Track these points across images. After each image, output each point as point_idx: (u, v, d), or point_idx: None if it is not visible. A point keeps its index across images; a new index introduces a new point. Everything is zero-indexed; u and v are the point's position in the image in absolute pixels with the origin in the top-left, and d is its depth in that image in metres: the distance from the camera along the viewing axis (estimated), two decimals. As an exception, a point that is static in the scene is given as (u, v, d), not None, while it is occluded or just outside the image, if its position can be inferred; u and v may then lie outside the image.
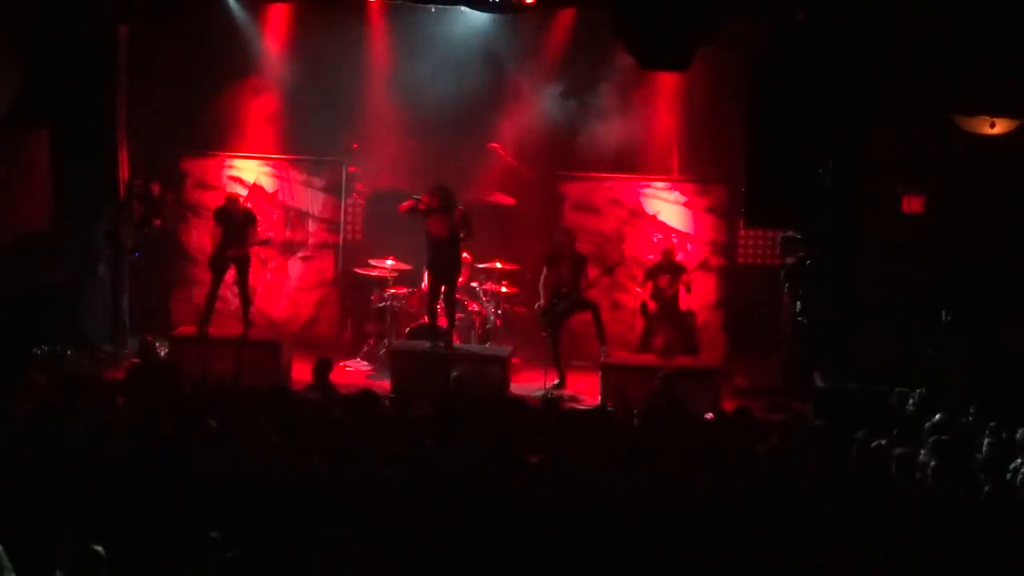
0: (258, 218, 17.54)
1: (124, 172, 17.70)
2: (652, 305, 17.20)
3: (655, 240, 18.34)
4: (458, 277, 17.20)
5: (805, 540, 9.13)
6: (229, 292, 17.91)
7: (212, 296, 17.27)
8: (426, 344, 17.03)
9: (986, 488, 10.53)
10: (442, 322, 17.20)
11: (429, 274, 17.24)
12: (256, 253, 17.80)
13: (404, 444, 11.04)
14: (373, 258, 18.40)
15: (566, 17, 18.86)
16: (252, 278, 17.66)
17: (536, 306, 17.25)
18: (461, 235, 16.78)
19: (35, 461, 10.09)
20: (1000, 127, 15.93)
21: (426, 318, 17.30)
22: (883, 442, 11.79)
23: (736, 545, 8.87)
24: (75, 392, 12.97)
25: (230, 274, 17.34)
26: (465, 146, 19.11)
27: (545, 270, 17.14)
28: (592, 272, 17.40)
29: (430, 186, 16.91)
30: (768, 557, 8.77)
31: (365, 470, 10.19)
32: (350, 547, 8.46)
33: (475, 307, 18.06)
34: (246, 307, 17.34)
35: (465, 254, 17.43)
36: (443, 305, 17.17)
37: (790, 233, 17.06)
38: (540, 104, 19.13)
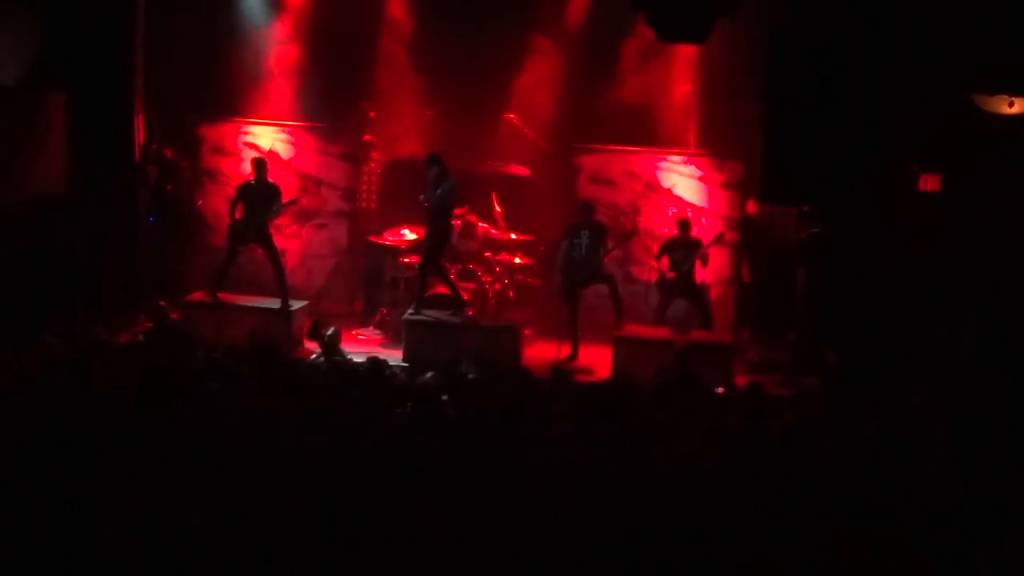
0: (281, 189, 17.51)
1: (140, 137, 17.68)
2: (671, 275, 17.18)
3: (670, 214, 18.33)
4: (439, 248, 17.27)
5: (816, 517, 9.12)
6: (252, 264, 18.03)
7: (228, 264, 17.29)
8: (440, 314, 17.06)
9: (998, 466, 10.53)
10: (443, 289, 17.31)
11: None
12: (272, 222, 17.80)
13: (413, 414, 11.04)
14: (388, 227, 18.44)
15: (586, -11, 18.93)
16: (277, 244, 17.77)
17: (556, 277, 17.23)
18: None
19: (48, 424, 10.09)
20: (1019, 107, 15.89)
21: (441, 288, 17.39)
22: (895, 420, 11.78)
23: (746, 521, 8.86)
24: (88, 356, 12.98)
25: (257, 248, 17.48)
26: (482, 116, 19.11)
27: (564, 242, 17.12)
28: (608, 243, 17.40)
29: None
30: (778, 533, 8.76)
31: (370, 440, 10.19)
32: (354, 518, 8.47)
33: (489, 278, 18.06)
34: (282, 280, 17.31)
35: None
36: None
37: (806, 209, 17.06)
38: (558, 75, 19.11)
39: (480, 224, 18.24)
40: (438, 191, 16.82)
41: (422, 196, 17.01)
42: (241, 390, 11.53)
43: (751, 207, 18.12)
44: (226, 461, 9.42)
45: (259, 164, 17.37)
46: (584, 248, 16.99)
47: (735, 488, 9.50)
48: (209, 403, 10.80)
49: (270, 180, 17.35)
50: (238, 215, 17.09)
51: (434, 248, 17.08)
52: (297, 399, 11.28)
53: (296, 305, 17.32)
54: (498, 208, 18.25)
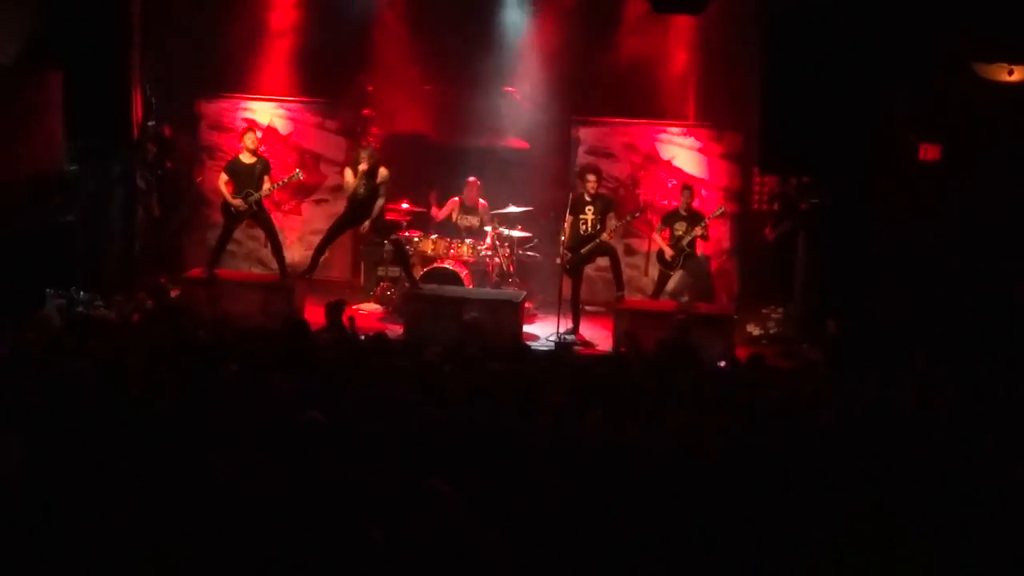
0: (271, 163, 17.42)
1: (138, 114, 17.63)
2: (669, 252, 17.16)
3: (670, 186, 18.31)
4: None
5: (815, 489, 9.11)
6: (251, 240, 18.04)
7: (224, 241, 17.26)
8: (440, 288, 17.07)
9: (998, 439, 10.53)
10: None
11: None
12: (270, 197, 17.73)
13: (416, 388, 11.04)
14: (387, 201, 18.38)
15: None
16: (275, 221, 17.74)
17: (560, 251, 17.16)
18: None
19: (46, 401, 10.08)
20: (1018, 74, 15.83)
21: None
22: (895, 391, 11.78)
23: (745, 494, 8.85)
24: (86, 333, 12.97)
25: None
26: (480, 89, 19.07)
27: (569, 217, 17.01)
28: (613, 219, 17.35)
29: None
30: (778, 506, 8.76)
31: (377, 414, 10.19)
32: (363, 495, 8.47)
33: (489, 252, 18.04)
34: (280, 257, 17.29)
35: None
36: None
37: (805, 180, 17.04)
38: (557, 48, 19.06)
39: (481, 201, 18.20)
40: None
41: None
42: (256, 369, 11.52)
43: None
44: (232, 437, 9.43)
45: (251, 139, 17.31)
46: (590, 224, 16.92)
47: (736, 461, 9.50)
48: (219, 381, 10.81)
49: (261, 154, 17.26)
50: (229, 190, 17.01)
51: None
52: (312, 376, 11.31)
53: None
54: (482, 201, 18.25)
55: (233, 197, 16.89)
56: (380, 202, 16.73)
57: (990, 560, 8.17)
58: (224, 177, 17.09)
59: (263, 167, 17.03)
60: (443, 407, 10.31)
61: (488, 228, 18.07)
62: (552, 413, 10.45)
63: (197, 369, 11.21)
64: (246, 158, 17.04)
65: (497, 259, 18.07)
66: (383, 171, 16.70)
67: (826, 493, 8.94)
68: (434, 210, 18.34)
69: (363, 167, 16.62)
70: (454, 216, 18.23)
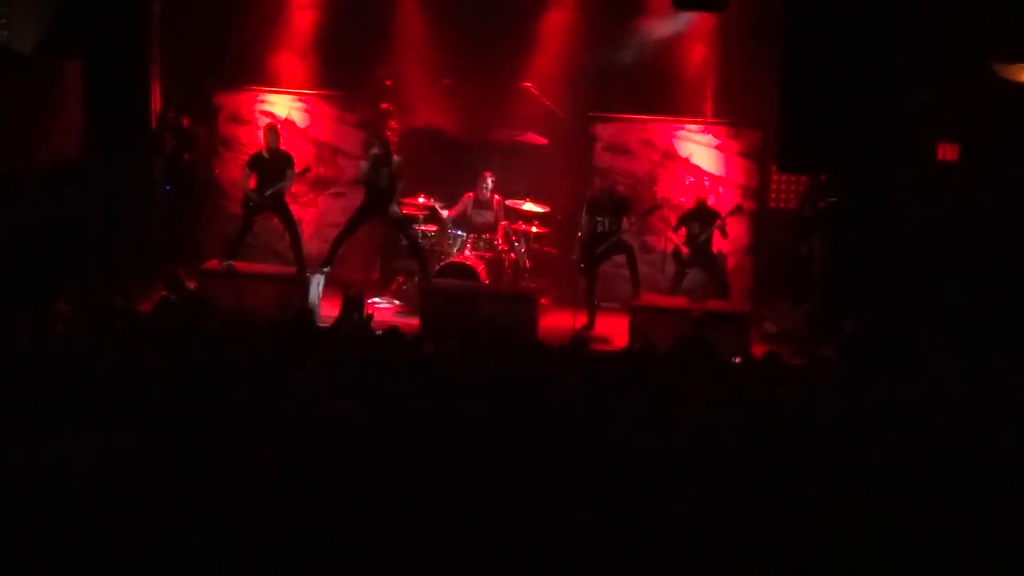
0: (293, 158, 17.45)
1: (156, 105, 17.66)
2: (685, 250, 17.17)
3: (687, 183, 18.30)
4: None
5: (827, 484, 9.10)
6: (267, 232, 18.09)
7: (243, 233, 17.28)
8: (456, 282, 17.06)
9: (1014, 433, 10.50)
10: None
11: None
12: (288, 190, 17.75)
13: (430, 383, 11.04)
14: (404, 195, 18.40)
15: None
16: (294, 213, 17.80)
17: (576, 248, 17.17)
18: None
19: (63, 391, 10.09)
20: (1037, 75, 15.83)
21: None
22: (909, 387, 11.76)
23: (757, 489, 8.84)
24: (103, 324, 12.97)
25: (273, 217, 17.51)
26: (498, 85, 19.07)
27: (586, 217, 17.04)
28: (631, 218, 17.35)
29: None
30: (789, 502, 8.75)
31: (391, 408, 10.18)
32: (374, 485, 8.47)
33: (505, 248, 18.03)
34: (298, 248, 17.30)
35: None
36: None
37: (823, 178, 17.02)
38: (574, 44, 19.06)
39: (496, 196, 18.19)
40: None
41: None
42: (263, 358, 11.54)
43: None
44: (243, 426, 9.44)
45: (271, 132, 17.32)
46: (607, 223, 16.95)
47: (750, 458, 9.49)
48: (230, 370, 10.82)
49: (283, 149, 17.30)
50: (251, 185, 17.05)
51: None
52: (322, 366, 11.31)
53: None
54: (496, 196, 18.23)
55: (256, 192, 16.93)
56: (401, 186, 16.98)
57: (998, 557, 8.17)
58: (248, 172, 17.12)
59: (286, 161, 17.07)
60: (453, 401, 10.34)
61: (503, 223, 18.09)
62: (565, 408, 10.46)
63: (209, 357, 11.24)
64: (267, 153, 17.08)
65: (513, 254, 18.06)
66: (396, 159, 16.81)
67: (838, 491, 8.93)
68: (448, 210, 18.35)
69: (375, 151, 16.73)
70: (468, 211, 18.21)
